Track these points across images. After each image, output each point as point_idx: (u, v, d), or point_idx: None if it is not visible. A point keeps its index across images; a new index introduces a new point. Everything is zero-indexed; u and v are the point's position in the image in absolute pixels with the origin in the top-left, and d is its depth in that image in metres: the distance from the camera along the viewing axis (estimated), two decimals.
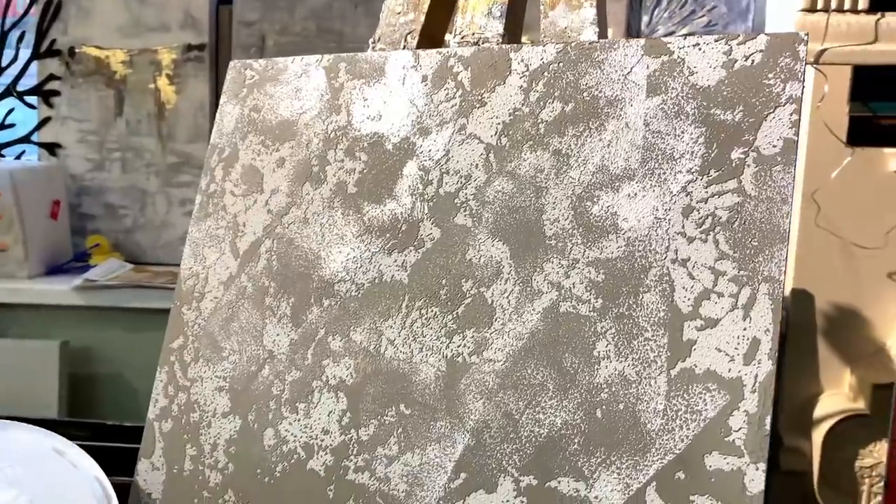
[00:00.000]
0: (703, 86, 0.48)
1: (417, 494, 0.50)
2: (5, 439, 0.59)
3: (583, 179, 0.50)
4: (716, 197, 0.46)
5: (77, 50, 1.55)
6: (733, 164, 0.46)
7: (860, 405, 1.20)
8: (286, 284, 0.59)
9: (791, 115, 0.46)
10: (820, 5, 1.07)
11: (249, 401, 0.58)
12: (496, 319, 0.51)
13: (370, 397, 0.54)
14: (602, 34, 0.54)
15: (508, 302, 0.51)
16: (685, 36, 1.42)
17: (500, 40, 0.57)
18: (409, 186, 0.56)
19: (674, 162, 0.48)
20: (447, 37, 0.60)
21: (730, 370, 0.44)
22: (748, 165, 0.46)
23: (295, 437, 0.56)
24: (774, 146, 0.46)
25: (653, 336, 0.46)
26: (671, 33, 1.39)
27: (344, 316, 0.56)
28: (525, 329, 0.50)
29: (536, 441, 0.48)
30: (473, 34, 0.58)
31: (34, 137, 1.58)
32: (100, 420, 0.95)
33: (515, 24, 0.60)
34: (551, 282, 0.50)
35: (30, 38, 1.57)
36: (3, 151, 1.58)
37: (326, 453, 0.54)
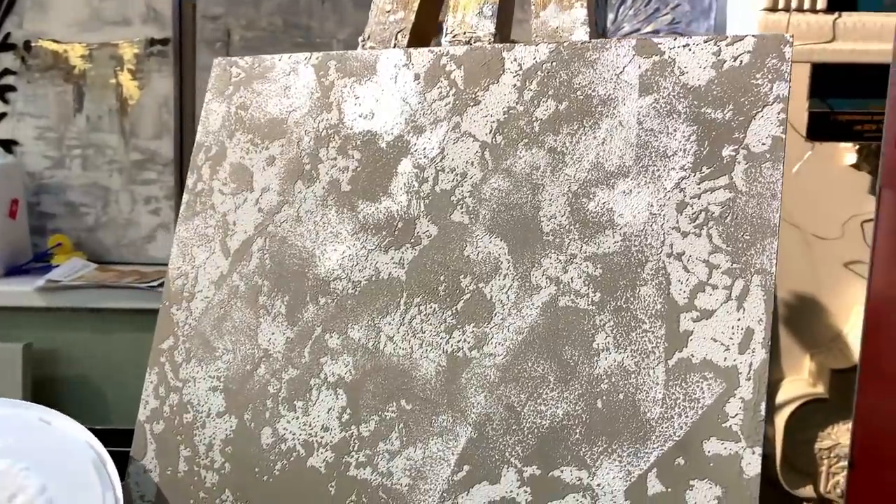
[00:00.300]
0: (694, 85, 0.50)
1: (421, 488, 0.51)
2: None
3: (578, 176, 0.52)
4: (708, 193, 0.48)
5: (33, 44, 1.51)
6: (724, 161, 0.48)
7: (819, 390, 1.25)
8: (280, 283, 0.59)
9: (779, 113, 0.48)
10: (781, 5, 1.11)
11: (245, 400, 0.58)
12: (496, 314, 0.52)
13: (370, 393, 0.54)
14: (593, 34, 0.55)
15: (507, 297, 0.52)
16: (651, 33, 1.45)
17: (492, 39, 0.58)
18: (405, 184, 0.57)
19: (667, 159, 0.50)
20: (442, 37, 0.61)
21: (725, 359, 0.46)
22: (739, 162, 0.48)
23: (294, 434, 0.56)
24: (763, 144, 0.48)
25: (650, 328, 0.48)
26: (636, 31, 1.42)
27: (341, 313, 0.57)
28: (525, 323, 0.51)
29: (539, 432, 0.49)
30: (465, 33, 0.59)
31: None
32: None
33: (505, 24, 0.60)
34: (550, 277, 0.51)
35: None
36: None
37: (327, 450, 0.55)
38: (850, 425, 1.27)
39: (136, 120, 1.51)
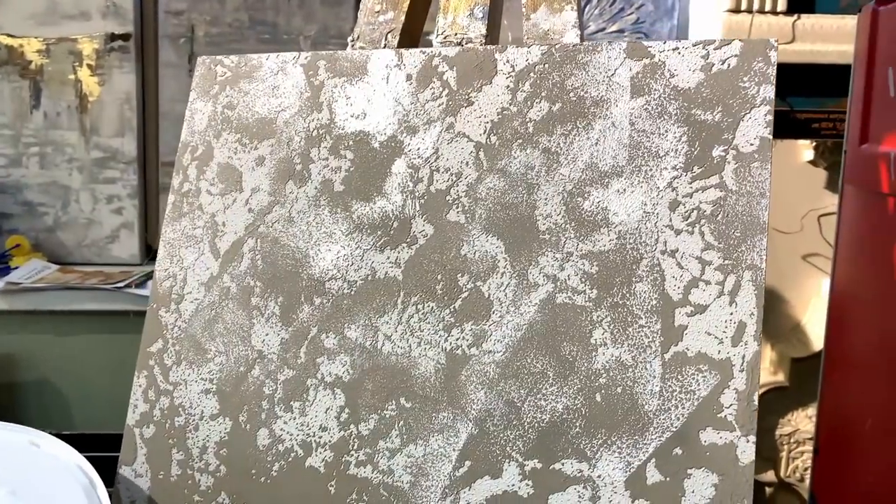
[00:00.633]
0: (684, 87, 0.52)
1: (423, 484, 0.52)
2: None
3: (573, 176, 0.53)
4: (700, 192, 0.50)
5: None
6: (715, 161, 0.50)
7: (780, 378, 1.30)
8: (273, 284, 0.59)
9: (766, 115, 0.50)
10: (744, 6, 1.14)
11: (240, 402, 0.58)
12: (494, 312, 0.53)
13: (369, 392, 0.55)
14: (582, 37, 0.57)
15: (505, 295, 0.53)
16: (616, 33, 1.47)
17: (484, 41, 0.59)
18: (399, 184, 0.57)
19: (659, 159, 0.51)
20: (432, 37, 0.61)
21: (719, 352, 0.47)
22: (728, 162, 0.50)
23: (291, 435, 0.56)
24: (752, 144, 0.49)
25: (646, 323, 0.49)
26: (602, 30, 1.45)
27: (337, 314, 0.57)
28: (523, 320, 0.52)
29: (539, 426, 0.50)
30: (456, 35, 0.59)
31: None
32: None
33: (494, 26, 0.61)
34: (547, 274, 0.52)
35: None
36: None
37: (325, 450, 0.55)
38: (808, 412, 1.32)
39: (97, 117, 1.48)
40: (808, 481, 1.33)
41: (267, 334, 0.58)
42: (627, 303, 0.50)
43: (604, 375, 0.49)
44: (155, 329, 0.62)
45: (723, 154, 0.50)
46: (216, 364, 0.59)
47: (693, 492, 0.46)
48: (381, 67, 0.60)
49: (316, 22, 1.49)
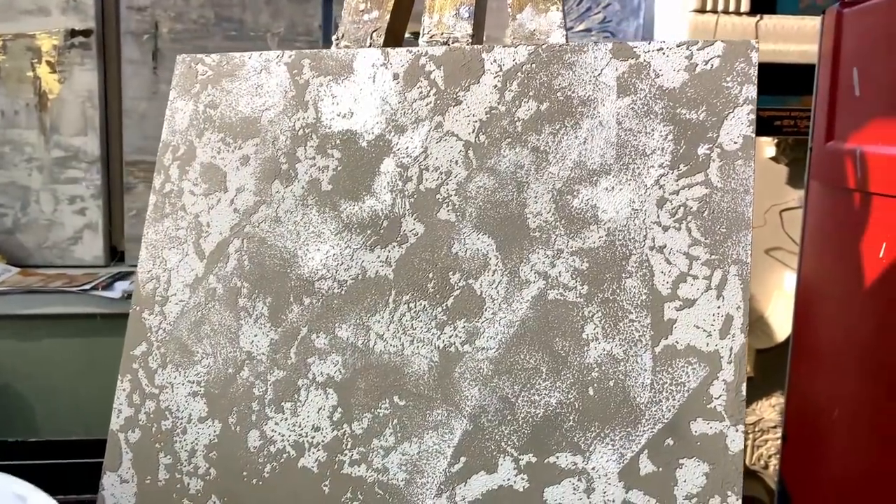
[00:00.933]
0: (669, 87, 0.53)
1: (418, 481, 0.52)
2: None
3: (562, 175, 0.54)
4: (686, 189, 0.51)
5: None
6: (700, 159, 0.51)
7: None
8: (261, 284, 0.59)
9: (748, 114, 0.51)
10: (709, 7, 1.17)
11: (229, 404, 0.58)
12: (486, 309, 0.53)
13: (362, 391, 0.55)
14: (567, 37, 0.58)
15: (497, 292, 0.53)
16: (583, 31, 1.49)
17: (470, 41, 0.59)
18: (388, 183, 0.57)
19: (646, 157, 0.52)
20: (420, 38, 0.61)
21: (707, 344, 0.49)
22: (713, 160, 0.51)
23: (283, 436, 0.56)
24: (735, 142, 0.51)
25: (637, 317, 0.50)
26: (569, 28, 1.46)
27: (327, 313, 0.57)
28: (515, 317, 0.53)
29: (533, 421, 0.51)
30: (442, 34, 0.60)
31: None
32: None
33: (479, 25, 0.62)
34: (538, 271, 0.53)
35: None
36: None
37: (318, 450, 0.55)
38: (772, 401, 1.36)
39: (58, 115, 1.44)
40: (772, 468, 1.37)
41: (255, 335, 0.58)
42: (618, 298, 0.51)
43: (596, 370, 0.50)
44: (138, 332, 0.61)
45: (708, 152, 0.51)
46: (203, 366, 0.59)
47: (685, 481, 0.48)
48: (368, 66, 0.60)
49: (283, 19, 1.47)
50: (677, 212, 0.51)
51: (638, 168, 0.52)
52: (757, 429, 1.41)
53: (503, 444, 0.51)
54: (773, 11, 1.20)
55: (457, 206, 0.55)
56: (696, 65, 0.53)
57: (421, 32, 0.61)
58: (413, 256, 0.56)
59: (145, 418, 0.59)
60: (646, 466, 0.48)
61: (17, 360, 1.31)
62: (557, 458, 0.50)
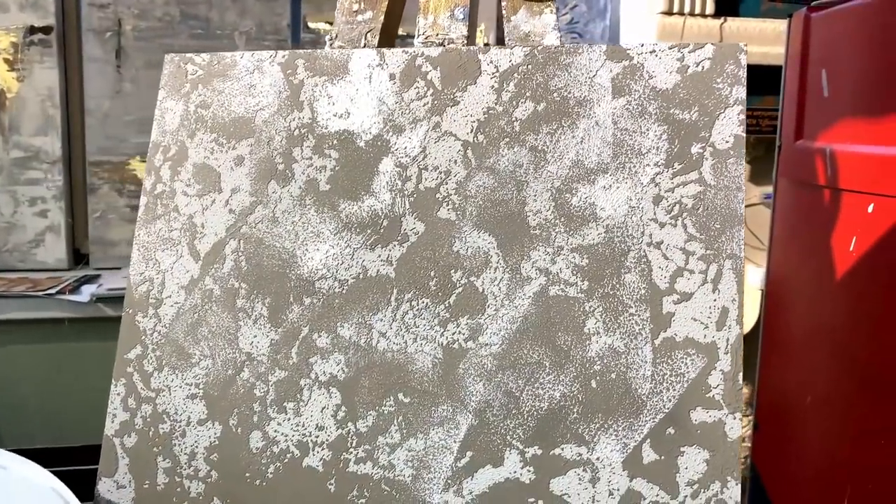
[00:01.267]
0: (662, 88, 0.55)
1: (424, 477, 0.53)
2: None
3: (560, 173, 0.55)
4: (681, 187, 0.53)
5: None
6: (693, 158, 0.53)
7: None
8: (259, 285, 0.59)
9: (738, 114, 0.53)
10: (675, 9, 1.20)
11: (229, 405, 0.57)
12: (489, 306, 0.54)
13: (366, 390, 0.55)
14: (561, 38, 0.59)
15: (499, 289, 0.54)
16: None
17: (465, 42, 0.60)
18: (388, 183, 0.58)
19: (642, 156, 0.54)
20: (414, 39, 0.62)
21: (705, 336, 0.51)
22: (706, 159, 0.53)
23: (286, 436, 0.56)
24: (727, 141, 0.53)
25: (636, 311, 0.52)
26: None
27: (329, 313, 0.57)
28: (518, 313, 0.54)
29: (538, 414, 0.52)
30: (437, 35, 0.61)
31: None
32: None
33: (472, 27, 0.63)
34: (539, 268, 0.54)
35: None
36: None
37: (323, 449, 0.55)
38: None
39: (17, 115, 1.40)
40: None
41: (255, 336, 0.58)
42: (618, 293, 0.53)
43: (598, 363, 0.52)
44: (132, 335, 0.60)
45: (701, 151, 0.53)
46: (202, 368, 0.58)
47: (686, 468, 0.49)
48: (363, 67, 0.60)
49: (251, 17, 1.46)
50: (673, 209, 0.53)
51: (634, 167, 0.54)
52: None
53: (509, 437, 0.52)
54: (735, 14, 1.24)
55: (457, 205, 0.56)
56: (688, 67, 0.55)
57: (416, 33, 0.61)
58: (414, 255, 0.56)
59: (142, 422, 0.59)
60: (648, 455, 0.50)
61: None
62: (562, 449, 0.51)
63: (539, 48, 0.57)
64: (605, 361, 0.52)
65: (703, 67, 0.54)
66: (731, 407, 0.50)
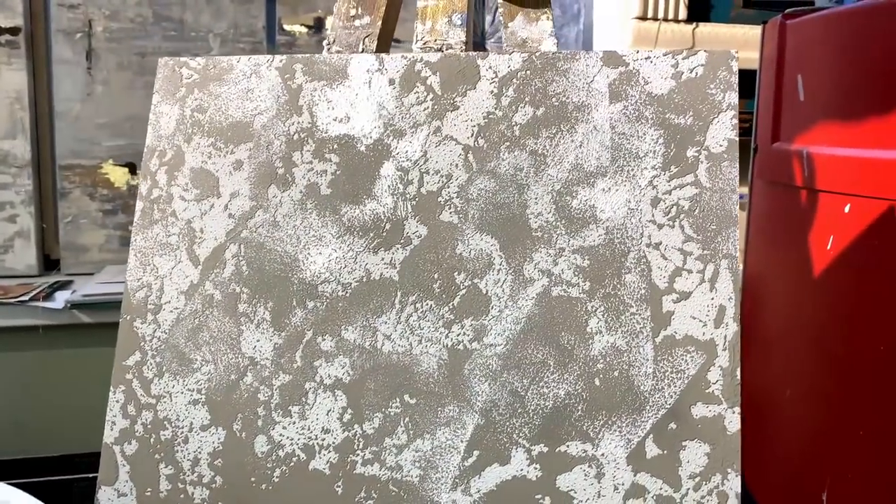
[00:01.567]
0: (658, 94, 0.56)
1: (432, 477, 0.54)
2: None
3: (560, 176, 0.56)
4: (678, 189, 0.55)
5: None
6: (689, 161, 0.55)
7: None
8: (261, 289, 0.59)
9: (731, 119, 0.55)
10: (650, 14, 1.23)
11: (233, 410, 0.57)
12: (492, 307, 0.55)
13: (371, 392, 0.56)
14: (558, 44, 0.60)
15: (503, 290, 0.55)
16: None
17: (464, 47, 0.61)
18: (389, 186, 0.58)
19: (639, 160, 0.56)
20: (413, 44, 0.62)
21: (704, 334, 0.53)
22: (701, 162, 0.55)
23: (291, 440, 0.56)
24: (721, 145, 0.55)
25: (637, 310, 0.54)
26: None
27: (332, 316, 0.57)
28: (522, 314, 0.55)
29: (543, 413, 0.53)
30: (436, 41, 0.61)
31: None
32: None
33: (469, 32, 0.64)
34: (541, 269, 0.55)
35: None
36: None
37: (329, 451, 0.55)
38: None
39: None
40: None
41: (258, 340, 0.58)
42: (619, 293, 0.54)
43: (601, 361, 0.53)
44: (130, 341, 0.60)
45: (696, 154, 0.55)
46: (203, 374, 0.58)
47: (688, 462, 0.51)
48: (363, 72, 0.61)
49: (226, 19, 1.45)
50: (670, 210, 0.55)
51: (632, 170, 0.56)
52: None
53: (515, 436, 0.53)
54: (707, 20, 1.27)
55: (459, 209, 0.57)
56: (682, 73, 0.56)
57: (414, 39, 0.62)
58: (417, 258, 0.57)
59: (142, 429, 0.58)
60: (651, 450, 0.52)
61: None
62: (568, 446, 0.53)
63: (537, 54, 0.58)
64: (608, 360, 0.53)
65: (696, 74, 0.56)
66: (730, 402, 0.51)
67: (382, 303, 0.57)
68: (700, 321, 0.53)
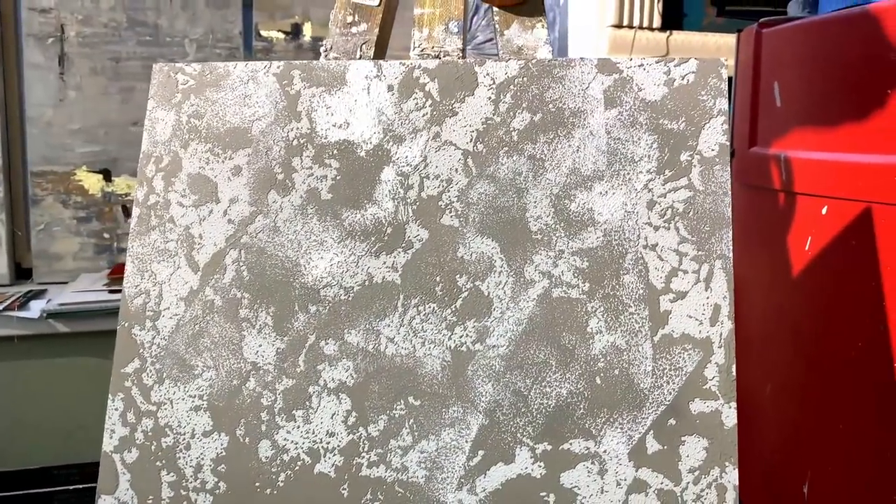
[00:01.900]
0: (651, 100, 0.58)
1: (438, 477, 0.54)
2: None
3: (558, 180, 0.58)
4: (672, 192, 0.57)
5: None
6: (683, 165, 0.57)
7: None
8: (263, 294, 0.59)
9: (722, 124, 0.57)
10: (625, 22, 1.26)
11: (236, 415, 0.57)
12: (494, 309, 0.56)
13: (375, 394, 0.56)
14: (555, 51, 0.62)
15: (504, 292, 0.56)
16: None
17: (460, 54, 0.62)
18: (390, 191, 0.59)
19: (635, 164, 0.57)
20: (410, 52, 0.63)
21: (700, 332, 0.54)
22: (694, 166, 0.57)
23: (296, 444, 0.56)
24: (713, 150, 0.57)
25: (636, 310, 0.55)
26: (489, 40, 1.52)
27: (335, 320, 0.58)
28: (523, 315, 0.56)
29: (546, 412, 0.54)
30: (433, 48, 0.62)
31: None
32: None
33: (464, 40, 0.65)
34: (542, 271, 0.56)
35: None
36: None
37: (335, 454, 0.56)
38: None
39: None
40: None
41: (260, 345, 0.58)
42: (617, 293, 0.55)
43: (602, 360, 0.55)
44: (129, 348, 0.59)
45: (689, 158, 0.57)
46: (205, 380, 0.58)
47: (688, 456, 0.53)
48: (361, 78, 0.61)
49: (201, 25, 1.44)
50: (666, 213, 0.56)
51: (628, 174, 0.57)
52: None
53: (519, 435, 0.54)
54: (680, 28, 1.31)
55: (459, 212, 0.58)
56: (674, 80, 0.58)
57: (411, 46, 0.63)
58: (419, 261, 0.58)
59: (143, 437, 0.58)
60: (652, 446, 0.53)
61: None
62: (571, 444, 0.54)
63: (533, 61, 0.60)
64: (609, 359, 0.55)
65: (688, 80, 0.58)
66: (727, 397, 0.53)
67: (385, 306, 0.57)
68: (696, 320, 0.55)
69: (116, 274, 1.37)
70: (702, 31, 1.32)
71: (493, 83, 0.60)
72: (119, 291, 1.31)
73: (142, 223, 0.61)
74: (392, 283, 0.58)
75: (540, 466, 0.54)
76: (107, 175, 1.41)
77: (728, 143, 0.57)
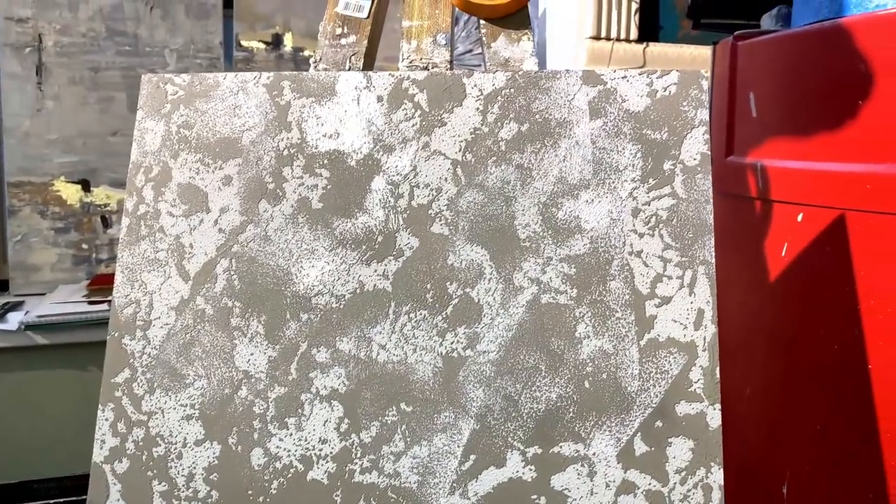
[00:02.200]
0: (635, 111, 0.60)
1: (430, 482, 0.55)
2: None
3: (546, 189, 0.59)
4: (656, 200, 0.58)
5: None
6: (666, 174, 0.58)
7: None
8: (254, 303, 0.59)
9: (703, 134, 0.59)
10: (603, 34, 1.28)
11: (228, 424, 0.57)
12: (485, 315, 0.57)
13: (368, 401, 0.57)
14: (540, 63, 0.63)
15: (494, 299, 0.57)
16: (480, 53, 1.55)
17: (449, 66, 0.63)
18: (380, 200, 0.60)
19: (619, 173, 0.59)
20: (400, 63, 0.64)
21: (685, 336, 0.56)
22: (677, 174, 0.58)
23: (289, 451, 0.56)
24: (695, 159, 0.59)
25: (622, 315, 0.56)
26: (469, 51, 1.54)
27: (327, 328, 0.58)
28: (513, 321, 0.57)
29: (536, 416, 0.55)
30: (421, 59, 0.63)
31: None
32: None
33: (450, 52, 0.66)
34: (531, 278, 0.58)
35: None
36: None
37: (327, 461, 0.56)
38: None
39: None
40: None
41: (252, 354, 0.58)
42: (604, 299, 0.57)
43: (590, 364, 0.56)
44: (119, 358, 0.59)
45: (672, 167, 0.59)
46: (196, 389, 0.58)
47: (674, 457, 0.54)
48: (351, 89, 0.62)
49: (182, 35, 1.43)
50: (650, 220, 0.58)
51: (613, 182, 0.59)
52: None
53: (510, 439, 0.55)
54: (656, 40, 1.33)
55: (449, 221, 0.59)
56: (657, 91, 0.60)
57: (399, 57, 0.64)
58: (410, 269, 0.59)
59: (133, 447, 0.58)
60: (640, 448, 0.54)
61: None
62: (561, 447, 0.55)
63: (519, 73, 0.61)
64: (597, 363, 0.56)
65: (670, 92, 0.60)
66: (711, 399, 0.55)
67: (376, 313, 0.58)
68: (681, 324, 0.56)
69: (95, 285, 1.36)
70: (677, 42, 1.35)
71: (481, 94, 0.61)
72: (98, 302, 1.29)
73: (131, 233, 0.62)
74: (383, 290, 0.58)
75: (531, 470, 0.55)
76: (85, 185, 1.40)
77: (709, 153, 0.59)
